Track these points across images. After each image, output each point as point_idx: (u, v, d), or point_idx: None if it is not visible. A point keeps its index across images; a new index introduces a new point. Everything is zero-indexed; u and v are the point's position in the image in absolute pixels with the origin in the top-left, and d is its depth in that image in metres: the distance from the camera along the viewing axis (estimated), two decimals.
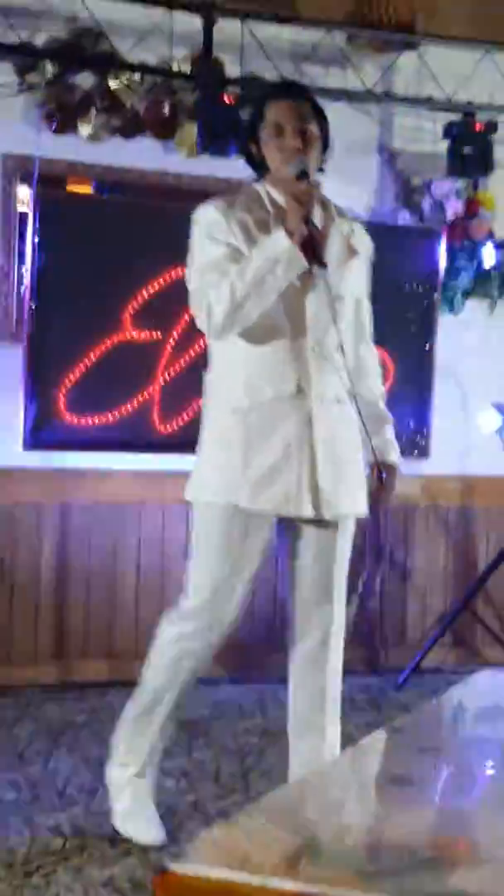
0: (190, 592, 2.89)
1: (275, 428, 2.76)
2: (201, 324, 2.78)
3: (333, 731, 2.92)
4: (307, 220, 2.71)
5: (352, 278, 2.89)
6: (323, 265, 2.74)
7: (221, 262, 2.74)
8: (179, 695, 2.95)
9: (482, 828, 1.62)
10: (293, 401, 2.77)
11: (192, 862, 1.33)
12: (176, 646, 2.91)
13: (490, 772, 1.89)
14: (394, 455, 2.98)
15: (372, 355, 3.03)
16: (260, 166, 2.87)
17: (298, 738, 2.92)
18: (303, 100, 2.86)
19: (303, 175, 2.74)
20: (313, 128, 2.81)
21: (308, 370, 2.78)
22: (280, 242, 2.68)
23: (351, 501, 2.84)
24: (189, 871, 1.28)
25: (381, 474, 2.93)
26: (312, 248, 2.73)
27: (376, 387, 3.02)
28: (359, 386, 2.91)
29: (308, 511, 2.76)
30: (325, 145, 2.87)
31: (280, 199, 2.81)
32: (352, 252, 2.89)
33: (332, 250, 2.81)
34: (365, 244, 2.97)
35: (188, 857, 1.32)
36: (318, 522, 2.81)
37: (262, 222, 2.79)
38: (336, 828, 1.56)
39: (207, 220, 2.80)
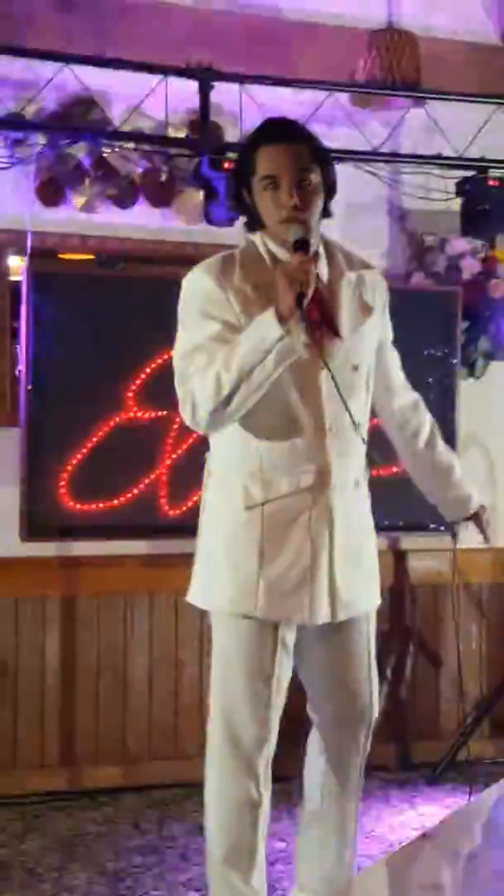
0: (220, 711, 2.77)
1: (293, 525, 2.65)
2: (185, 415, 2.63)
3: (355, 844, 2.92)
4: (300, 301, 2.48)
5: (369, 341, 2.77)
6: (336, 335, 2.63)
7: (213, 344, 2.58)
8: (262, 830, 2.77)
9: None
10: (313, 493, 2.66)
11: None
12: (235, 779, 2.75)
13: None
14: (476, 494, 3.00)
15: (417, 398, 3.00)
16: (255, 216, 2.71)
17: (323, 829, 2.92)
18: (300, 142, 2.66)
19: (302, 245, 2.56)
20: (314, 175, 2.64)
21: (326, 455, 2.67)
22: (270, 331, 2.49)
23: (366, 597, 2.82)
24: None
25: (479, 520, 3.01)
26: (321, 317, 2.61)
27: (433, 427, 2.99)
28: (420, 432, 2.91)
29: (325, 617, 2.71)
30: (331, 190, 2.70)
31: (280, 253, 2.66)
32: (365, 310, 2.75)
33: (344, 314, 2.69)
34: (380, 292, 2.83)
35: None
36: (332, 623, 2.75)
37: (264, 286, 2.62)
38: None
39: (201, 291, 2.65)
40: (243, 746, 2.74)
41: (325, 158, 2.70)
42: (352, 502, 2.75)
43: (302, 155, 2.64)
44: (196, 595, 2.81)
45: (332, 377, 2.64)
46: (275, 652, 2.70)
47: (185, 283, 2.74)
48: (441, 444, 3.00)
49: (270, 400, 2.61)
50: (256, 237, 2.75)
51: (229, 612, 2.70)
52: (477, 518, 3.00)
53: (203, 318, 2.63)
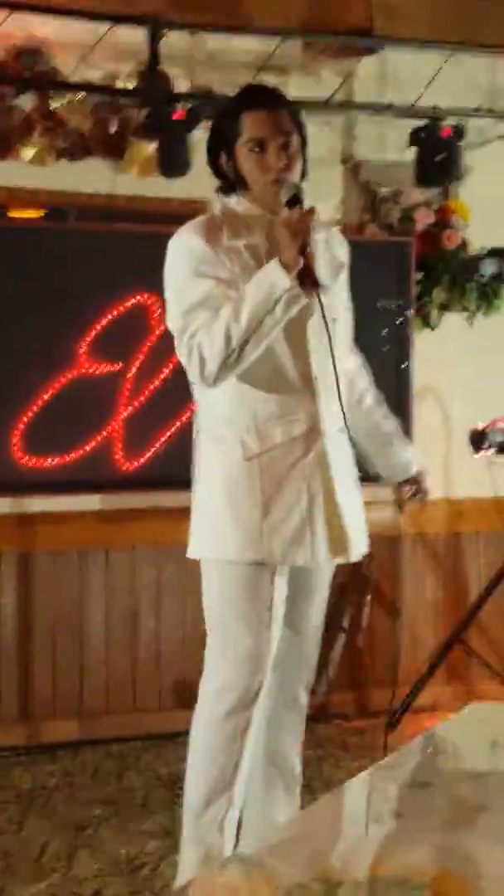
0: (221, 665, 2.83)
1: (290, 473, 2.77)
2: (192, 372, 2.72)
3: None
4: (303, 251, 2.63)
5: (340, 297, 2.92)
6: (320, 289, 2.71)
7: (212, 301, 2.68)
8: (242, 771, 2.84)
9: (476, 861, 1.71)
10: (306, 441, 2.79)
11: None
12: (227, 725, 2.81)
13: (484, 805, 1.99)
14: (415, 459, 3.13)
15: (362, 363, 3.13)
16: (232, 181, 2.82)
17: (271, 776, 3.00)
18: (282, 108, 2.80)
19: (295, 201, 2.69)
20: (295, 139, 2.78)
21: (316, 404, 2.80)
22: (279, 281, 2.63)
23: (359, 541, 2.93)
24: None
25: (417, 485, 3.11)
26: (308, 273, 2.69)
27: (376, 392, 3.11)
28: (365, 396, 3.03)
29: (326, 559, 2.83)
30: (304, 156, 2.82)
31: (258, 212, 2.77)
32: (338, 266, 2.91)
33: (322, 269, 2.78)
34: (344, 251, 2.98)
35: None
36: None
37: (252, 248, 2.76)
38: (329, 866, 1.65)
39: (191, 251, 2.75)
40: (242, 679, 2.82)
41: (301, 123, 2.84)
42: (341, 449, 2.88)
43: (285, 120, 2.78)
44: (199, 548, 2.88)
45: (326, 324, 2.73)
46: (273, 588, 2.81)
47: (173, 244, 2.82)
48: (384, 409, 3.13)
49: (261, 354, 2.71)
50: (232, 199, 2.85)
51: (237, 560, 2.78)
52: (416, 482, 3.08)
53: (197, 276, 2.72)
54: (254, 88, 2.94)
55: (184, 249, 2.78)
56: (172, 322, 2.78)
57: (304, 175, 2.85)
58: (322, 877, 1.68)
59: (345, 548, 2.88)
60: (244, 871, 1.58)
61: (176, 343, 2.75)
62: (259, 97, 2.84)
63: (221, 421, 2.83)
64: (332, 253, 2.92)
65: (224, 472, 2.81)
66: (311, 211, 2.70)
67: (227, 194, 2.88)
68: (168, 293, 2.81)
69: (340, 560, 2.89)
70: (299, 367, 2.79)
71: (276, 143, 2.76)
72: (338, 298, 2.90)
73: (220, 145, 2.83)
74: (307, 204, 2.73)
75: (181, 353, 2.74)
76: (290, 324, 2.73)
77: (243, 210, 2.83)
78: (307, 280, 2.68)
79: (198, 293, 2.71)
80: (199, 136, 4.46)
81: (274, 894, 1.50)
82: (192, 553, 2.90)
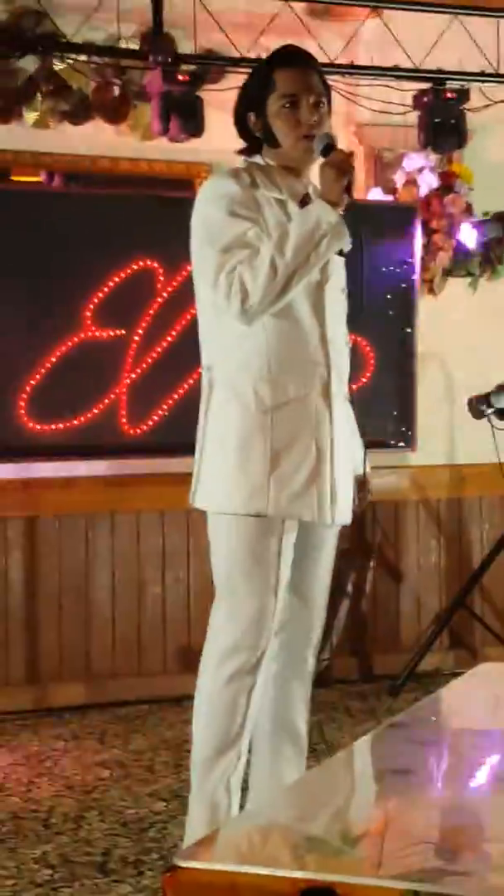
0: (227, 627, 2.84)
1: (301, 429, 2.80)
2: (231, 305, 2.71)
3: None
4: (348, 189, 2.70)
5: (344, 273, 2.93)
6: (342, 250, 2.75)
7: (251, 239, 2.72)
8: (248, 729, 2.86)
9: (486, 815, 1.75)
10: (318, 400, 2.82)
11: (200, 859, 1.45)
12: (231, 687, 2.81)
13: (492, 761, 2.02)
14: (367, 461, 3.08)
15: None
16: (258, 139, 2.87)
17: (279, 740, 3.04)
18: (314, 69, 2.86)
19: (329, 149, 2.75)
20: (324, 100, 2.83)
21: (329, 365, 2.84)
22: (326, 216, 2.67)
23: (350, 506, 2.95)
24: (198, 866, 1.40)
25: (359, 487, 3.03)
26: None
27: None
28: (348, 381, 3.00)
29: (328, 519, 2.85)
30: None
31: (286, 169, 2.82)
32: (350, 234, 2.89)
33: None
34: None
35: (197, 855, 1.44)
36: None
37: (281, 202, 2.80)
38: (342, 819, 1.68)
39: (227, 194, 2.78)
40: (247, 641, 2.83)
41: (329, 87, 2.89)
42: (346, 414, 2.92)
43: (316, 80, 2.85)
44: (204, 498, 2.89)
45: (360, 284, 2.76)
46: (280, 548, 2.83)
47: (205, 189, 2.86)
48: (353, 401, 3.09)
49: (283, 307, 2.75)
50: (258, 159, 2.89)
51: (243, 512, 2.80)
52: (360, 483, 3.06)
53: (233, 217, 2.75)
54: (287, 48, 2.97)
55: (218, 192, 2.81)
56: (207, 263, 2.78)
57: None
58: (338, 831, 1.72)
59: (343, 511, 2.91)
60: (263, 825, 1.61)
61: (211, 279, 2.75)
62: (292, 56, 2.90)
63: (237, 369, 2.83)
64: None
65: (236, 423, 2.83)
66: (352, 153, 2.78)
67: (250, 155, 2.90)
68: (201, 235, 2.81)
69: (340, 521, 2.90)
70: (316, 326, 2.83)
71: (307, 100, 2.80)
72: (345, 270, 2.91)
73: (250, 104, 2.87)
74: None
75: (219, 288, 2.72)
76: (310, 284, 2.77)
77: (270, 166, 2.86)
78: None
79: (236, 232, 2.73)
80: (204, 99, 4.47)
81: (293, 848, 1.53)
82: (198, 503, 2.91)
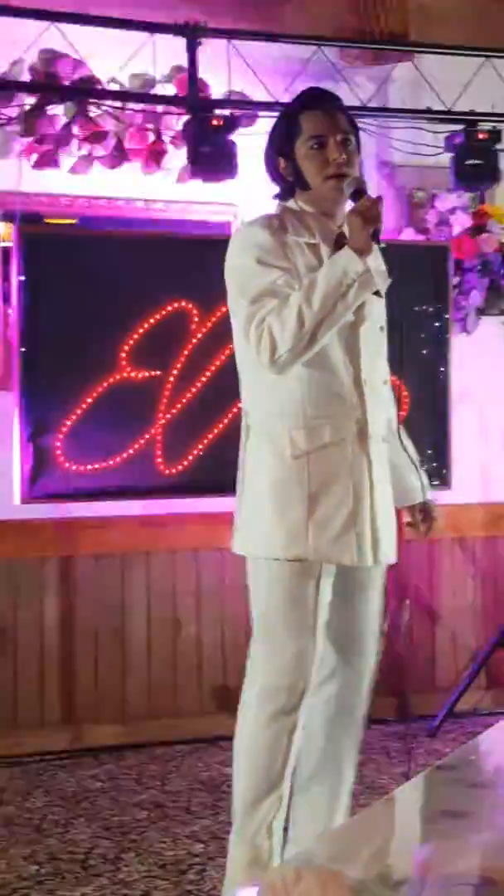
0: (265, 669, 2.84)
1: (338, 473, 2.80)
2: (261, 357, 2.74)
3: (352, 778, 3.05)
4: (375, 237, 2.70)
5: (385, 306, 2.93)
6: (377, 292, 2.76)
7: (280, 289, 2.73)
8: (289, 772, 2.85)
9: None
10: (354, 443, 2.82)
11: None
12: (271, 728, 2.81)
13: None
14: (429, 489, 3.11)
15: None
16: (289, 183, 2.88)
17: (324, 786, 3.01)
18: (340, 109, 2.90)
19: (358, 194, 2.76)
20: (352, 139, 2.85)
21: (365, 408, 2.83)
22: (352, 265, 2.68)
23: (394, 545, 2.94)
24: None
25: (424, 513, 3.07)
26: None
27: (395, 422, 3.08)
28: (388, 424, 2.99)
29: (369, 561, 2.84)
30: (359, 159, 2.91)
31: (317, 213, 2.83)
32: (387, 273, 2.88)
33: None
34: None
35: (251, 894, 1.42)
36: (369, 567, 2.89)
37: (312, 246, 2.81)
38: (393, 863, 1.66)
39: (258, 242, 2.79)
40: (286, 683, 2.82)
41: (356, 127, 2.92)
42: (383, 455, 2.91)
43: (342, 120, 2.87)
44: (244, 544, 2.90)
45: (399, 326, 2.81)
46: (318, 591, 2.82)
47: (237, 237, 2.89)
48: (402, 437, 3.08)
49: (315, 353, 2.76)
50: (291, 203, 2.90)
51: (282, 557, 2.80)
52: (423, 510, 3.08)
53: (263, 266, 2.77)
54: (312, 90, 3.02)
55: (250, 241, 2.82)
56: (239, 312, 2.81)
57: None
58: (383, 876, 1.70)
59: (386, 551, 2.90)
60: (314, 869, 1.59)
61: (243, 329, 2.78)
62: (317, 98, 2.94)
63: (272, 416, 2.85)
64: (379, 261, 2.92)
65: (272, 469, 2.84)
66: (380, 199, 2.76)
67: (284, 200, 2.92)
68: (233, 285, 2.84)
69: (385, 561, 2.90)
70: (350, 369, 2.83)
71: (335, 139, 2.82)
72: (384, 307, 2.92)
73: (279, 148, 2.90)
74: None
75: (251, 338, 2.75)
76: (343, 327, 2.78)
77: (303, 210, 2.88)
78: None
79: (265, 282, 2.75)
80: (240, 144, 4.51)
81: (345, 892, 1.51)
82: (237, 549, 2.92)
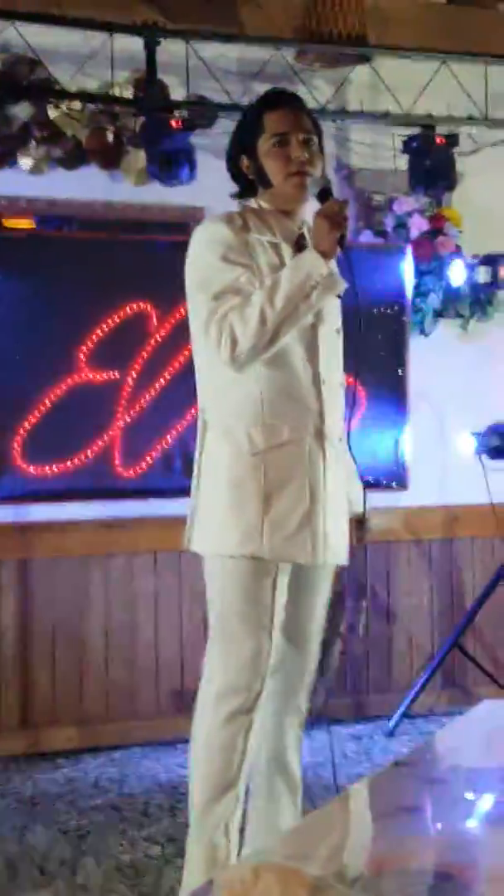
0: (222, 668, 2.84)
1: (294, 471, 2.81)
2: (222, 353, 2.74)
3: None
4: (341, 240, 2.71)
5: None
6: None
7: (243, 286, 2.74)
8: (245, 771, 2.85)
9: (492, 852, 1.74)
10: (311, 442, 2.83)
11: None
12: (228, 728, 2.80)
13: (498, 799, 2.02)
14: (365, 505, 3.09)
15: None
16: (251, 182, 2.90)
17: (274, 782, 3.02)
18: (303, 109, 2.91)
19: (325, 194, 2.77)
20: (315, 139, 2.86)
21: (323, 408, 2.84)
22: (317, 268, 2.69)
23: (345, 546, 2.95)
24: None
25: (358, 525, 3.05)
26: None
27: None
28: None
29: (322, 558, 2.85)
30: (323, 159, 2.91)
31: (278, 212, 2.84)
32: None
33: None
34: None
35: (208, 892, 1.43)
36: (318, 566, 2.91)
37: (274, 245, 2.81)
38: (350, 859, 1.67)
39: (220, 240, 2.79)
40: (243, 682, 2.82)
41: (319, 128, 2.93)
42: (340, 455, 2.92)
43: (305, 119, 2.89)
44: (200, 542, 2.90)
45: (357, 326, 2.78)
46: (274, 590, 2.83)
47: (198, 234, 2.87)
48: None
49: (275, 353, 2.77)
50: (253, 202, 2.92)
51: (237, 554, 2.81)
52: (358, 521, 3.09)
53: (226, 263, 2.77)
54: (274, 90, 3.05)
55: (211, 238, 2.82)
56: (199, 308, 2.81)
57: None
58: (341, 872, 1.71)
59: (338, 552, 2.91)
60: (272, 867, 1.60)
61: (204, 325, 2.78)
62: (280, 97, 2.96)
63: (230, 414, 2.85)
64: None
65: (229, 467, 2.84)
66: (347, 202, 2.78)
67: (245, 199, 2.93)
68: (194, 281, 2.84)
69: (337, 561, 2.91)
70: (309, 369, 2.84)
71: (297, 138, 2.83)
72: (340, 311, 2.94)
73: (242, 147, 2.91)
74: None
75: (211, 334, 2.76)
76: (303, 327, 2.79)
77: (264, 209, 2.89)
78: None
79: (228, 279, 2.75)
80: (197, 145, 4.52)
81: (303, 889, 1.52)
82: (194, 546, 2.91)
